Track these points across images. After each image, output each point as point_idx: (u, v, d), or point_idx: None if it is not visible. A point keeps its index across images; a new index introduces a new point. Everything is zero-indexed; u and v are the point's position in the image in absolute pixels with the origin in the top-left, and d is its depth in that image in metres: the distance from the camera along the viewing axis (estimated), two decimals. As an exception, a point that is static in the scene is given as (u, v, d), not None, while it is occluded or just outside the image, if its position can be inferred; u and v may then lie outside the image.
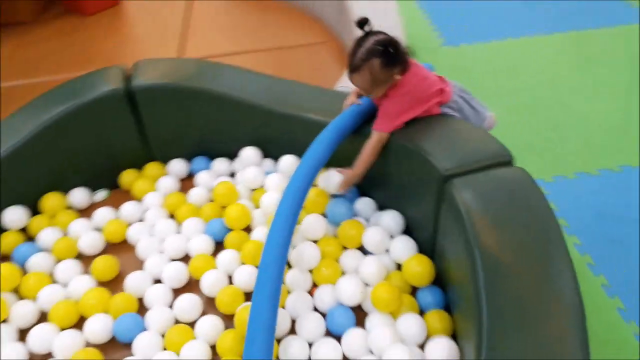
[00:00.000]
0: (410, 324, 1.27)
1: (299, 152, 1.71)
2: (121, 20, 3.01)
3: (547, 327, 1.01)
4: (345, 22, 2.49)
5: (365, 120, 1.49)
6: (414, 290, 1.40)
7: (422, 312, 1.34)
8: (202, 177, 1.78)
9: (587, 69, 2.63)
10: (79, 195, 1.74)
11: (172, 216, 1.67)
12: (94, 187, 1.80)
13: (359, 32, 2.18)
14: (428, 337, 1.27)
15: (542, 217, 1.19)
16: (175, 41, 2.72)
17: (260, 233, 1.55)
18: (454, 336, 1.27)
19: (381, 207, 1.60)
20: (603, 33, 2.88)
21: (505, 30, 2.94)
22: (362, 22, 1.31)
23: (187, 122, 1.82)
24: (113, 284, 1.48)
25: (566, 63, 2.70)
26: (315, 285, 1.43)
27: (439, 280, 1.39)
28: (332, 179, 1.53)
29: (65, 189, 1.74)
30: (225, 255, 1.48)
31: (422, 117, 1.43)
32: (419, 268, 1.36)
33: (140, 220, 1.66)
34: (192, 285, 1.48)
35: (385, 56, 1.27)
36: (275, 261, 1.19)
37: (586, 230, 1.78)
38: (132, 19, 3.02)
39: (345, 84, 1.89)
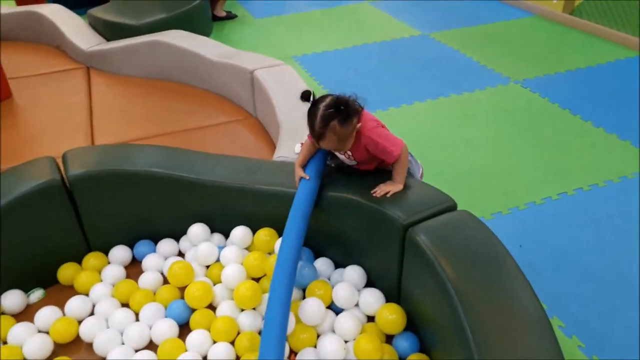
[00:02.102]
0: (396, 370, 1.32)
1: (246, 223, 1.75)
2: (15, 114, 2.85)
3: (525, 340, 1.14)
4: (257, 99, 2.62)
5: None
6: (388, 339, 1.46)
7: (401, 358, 1.40)
8: (149, 261, 1.72)
9: (468, 124, 3.03)
10: (13, 299, 1.58)
11: (125, 305, 1.58)
12: (25, 288, 1.65)
13: (277, 107, 2.35)
14: (413, 381, 1.33)
15: (494, 247, 1.35)
16: (81, 131, 2.63)
17: (226, 309, 1.53)
18: (436, 374, 1.35)
19: (337, 265, 1.68)
20: (477, 95, 3.35)
21: (399, 99, 3.29)
22: (306, 95, 1.42)
23: (125, 207, 1.78)
24: (72, 389, 1.36)
25: (453, 120, 3.08)
26: (293, 352, 1.43)
27: (409, 325, 1.47)
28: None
29: (-6, 294, 1.58)
30: (195, 336, 1.44)
31: (372, 174, 1.55)
32: (393, 316, 1.43)
33: (91, 315, 1.55)
34: (162, 374, 1.40)
35: (340, 115, 1.34)
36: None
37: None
38: (27, 113, 2.87)
39: (281, 154, 1.98)
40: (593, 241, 2.18)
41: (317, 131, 1.36)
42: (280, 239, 1.64)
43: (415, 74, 3.67)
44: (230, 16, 4.73)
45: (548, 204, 2.38)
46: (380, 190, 1.47)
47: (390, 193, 1.47)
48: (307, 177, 1.53)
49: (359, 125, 1.41)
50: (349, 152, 1.51)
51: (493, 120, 3.09)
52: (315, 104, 1.40)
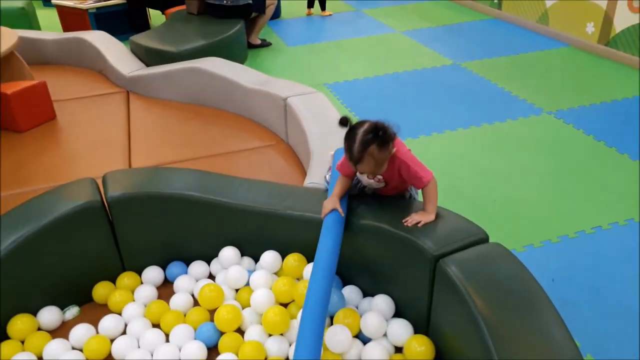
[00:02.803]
0: (423, 403, 1.31)
1: (276, 248, 1.77)
2: (58, 135, 2.97)
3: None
4: (289, 126, 2.67)
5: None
6: (416, 371, 1.45)
7: (429, 391, 1.39)
8: (181, 282, 1.75)
9: (500, 154, 3.01)
10: (49, 315, 1.64)
11: (156, 325, 1.61)
12: (61, 305, 1.70)
13: (309, 134, 2.38)
14: (441, 415, 1.31)
15: (526, 281, 1.34)
16: (120, 154, 2.72)
17: (254, 333, 1.54)
18: (465, 410, 1.32)
19: (365, 294, 1.68)
20: (509, 124, 3.33)
21: (430, 127, 3.30)
22: (344, 121, 1.45)
23: (159, 229, 1.82)
24: (104, 406, 1.38)
25: (485, 150, 3.06)
26: (320, 380, 1.43)
27: (437, 357, 1.46)
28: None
29: (31, 309, 1.63)
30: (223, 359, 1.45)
31: (402, 202, 1.57)
32: (422, 348, 1.42)
33: (123, 334, 1.58)
34: (190, 396, 1.42)
35: (379, 140, 1.38)
36: None
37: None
38: (69, 134, 2.99)
39: (312, 180, 2.01)
40: (628, 278, 2.11)
41: (355, 155, 1.39)
42: (310, 264, 1.66)
43: (447, 102, 3.68)
44: (265, 44, 4.86)
45: (582, 238, 2.33)
46: (412, 219, 1.48)
47: (422, 223, 1.47)
48: (342, 214, 1.55)
49: (394, 150, 1.44)
50: (380, 176, 1.53)
51: (525, 151, 3.06)
52: (353, 129, 1.42)
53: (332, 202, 1.57)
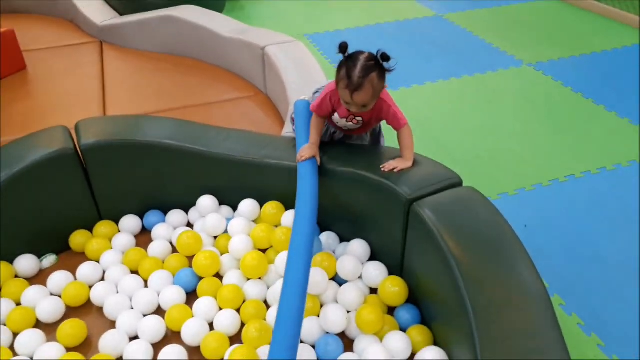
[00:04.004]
0: (397, 341, 1.35)
1: (254, 197, 1.78)
2: (29, 85, 2.89)
3: (524, 314, 1.16)
4: (267, 76, 2.63)
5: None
6: (390, 311, 1.49)
7: (402, 330, 1.43)
8: (159, 230, 1.76)
9: (482, 105, 3.02)
10: (26, 263, 1.63)
11: (134, 272, 1.63)
12: (38, 253, 1.70)
13: (287, 84, 2.36)
14: (413, 352, 1.36)
15: (497, 225, 1.36)
16: (94, 104, 2.66)
17: (233, 278, 1.57)
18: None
19: (341, 239, 1.70)
20: (489, 76, 3.33)
21: (410, 79, 3.28)
22: (344, 47, 1.39)
23: (135, 177, 1.81)
24: (82, 349, 1.41)
25: (465, 101, 3.07)
26: (297, 320, 1.46)
27: (410, 298, 1.50)
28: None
29: (9, 257, 1.63)
30: (202, 303, 1.48)
31: (376, 148, 1.58)
32: (395, 288, 1.46)
33: (102, 280, 1.59)
34: (169, 338, 1.44)
35: (380, 68, 1.37)
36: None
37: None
38: (41, 84, 2.91)
39: (290, 130, 1.99)
40: (598, 223, 2.18)
41: (356, 81, 1.34)
42: (288, 211, 1.67)
43: (428, 54, 3.65)
44: (243, -7, 4.71)
45: (555, 186, 2.38)
46: (389, 165, 1.49)
47: (398, 169, 1.48)
48: (319, 162, 1.55)
49: (385, 86, 1.43)
50: (359, 117, 1.51)
51: (504, 102, 3.07)
52: (351, 56, 1.38)
53: (311, 150, 1.55)
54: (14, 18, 3.61)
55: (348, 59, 1.38)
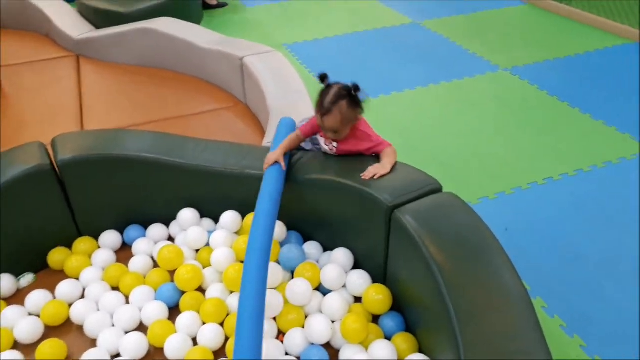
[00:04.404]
0: (382, 349, 1.35)
1: (236, 208, 1.77)
2: (3, 101, 2.84)
3: (506, 317, 1.17)
4: (247, 86, 2.62)
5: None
6: (374, 319, 1.49)
7: (387, 338, 1.43)
8: (139, 245, 1.73)
9: (460, 111, 3.06)
10: (4, 283, 1.60)
11: (115, 289, 1.60)
12: (16, 273, 1.66)
13: (267, 94, 2.36)
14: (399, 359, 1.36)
15: (478, 229, 1.37)
16: (71, 118, 2.63)
17: (215, 291, 1.55)
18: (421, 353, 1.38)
19: (325, 248, 1.70)
20: (466, 82, 3.37)
21: (388, 87, 3.31)
22: (323, 77, 1.50)
23: (114, 192, 1.79)
24: (63, 369, 1.38)
25: (443, 107, 3.10)
26: (281, 333, 1.46)
27: (394, 305, 1.50)
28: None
29: (-16, 278, 1.59)
30: (185, 318, 1.46)
31: (355, 157, 1.58)
32: (379, 296, 1.46)
33: (82, 298, 1.56)
34: (152, 355, 1.42)
35: (351, 98, 1.45)
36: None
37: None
38: (16, 100, 2.87)
39: (270, 140, 1.99)
40: (577, 225, 2.21)
41: (326, 106, 1.45)
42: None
43: (406, 61, 3.68)
44: (220, 4, 4.71)
45: (534, 189, 2.41)
46: (369, 172, 1.50)
47: (378, 175, 1.49)
48: (284, 167, 1.57)
49: (360, 117, 1.51)
50: (335, 144, 1.56)
51: (482, 107, 3.11)
52: (328, 86, 1.49)
53: (275, 155, 1.58)
54: (-12, 33, 3.57)
55: (326, 87, 1.49)
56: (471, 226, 1.39)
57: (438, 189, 1.51)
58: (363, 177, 1.50)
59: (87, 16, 3.55)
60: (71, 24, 3.35)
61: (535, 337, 1.12)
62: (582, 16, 4.19)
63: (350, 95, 1.46)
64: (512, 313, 1.17)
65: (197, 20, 4.07)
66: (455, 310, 1.17)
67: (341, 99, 1.45)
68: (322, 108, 1.46)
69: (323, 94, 1.47)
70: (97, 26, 3.40)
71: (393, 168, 1.53)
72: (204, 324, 1.47)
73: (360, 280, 1.53)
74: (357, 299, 1.54)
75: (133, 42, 3.06)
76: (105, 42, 3.13)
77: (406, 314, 1.47)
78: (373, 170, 1.50)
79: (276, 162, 1.57)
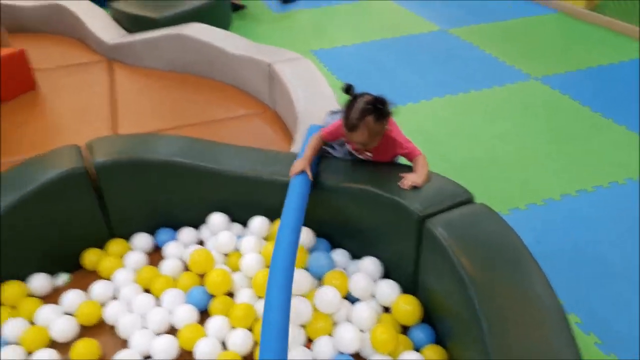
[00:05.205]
0: (411, 360, 1.34)
1: (265, 213, 1.78)
2: (40, 105, 2.91)
3: (541, 333, 1.15)
4: (275, 92, 2.64)
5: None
6: (404, 329, 1.48)
7: (416, 349, 1.42)
8: (170, 248, 1.76)
9: (487, 120, 3.02)
10: (40, 282, 1.64)
11: (147, 291, 1.63)
12: (51, 272, 1.70)
13: (296, 100, 2.37)
14: (428, 371, 1.35)
15: (510, 241, 1.36)
16: (104, 122, 2.68)
17: (244, 296, 1.56)
18: (451, 365, 1.36)
19: (354, 256, 1.70)
20: (495, 91, 3.34)
21: (416, 95, 3.30)
22: (348, 88, 1.49)
23: (147, 195, 1.82)
24: (96, 369, 1.40)
25: (472, 116, 3.07)
26: (309, 340, 1.46)
27: (425, 316, 1.49)
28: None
29: (22, 276, 1.63)
30: (215, 322, 1.47)
31: (387, 165, 1.58)
32: (409, 307, 1.45)
33: (114, 299, 1.59)
34: (182, 358, 1.44)
35: (377, 112, 1.42)
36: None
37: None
38: (51, 104, 2.94)
39: (299, 146, 2.00)
40: (612, 239, 2.16)
41: (352, 122, 1.43)
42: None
43: (434, 69, 3.67)
44: (238, 7, 4.66)
45: (566, 201, 2.37)
46: (407, 181, 1.49)
47: (416, 185, 1.48)
48: (311, 177, 1.56)
49: (387, 128, 1.49)
50: (369, 153, 1.57)
51: (512, 117, 3.07)
52: (355, 97, 1.46)
53: (301, 164, 1.58)
54: (23, 37, 3.66)
55: (350, 101, 1.46)
56: (503, 237, 1.37)
57: (469, 200, 1.50)
58: (401, 186, 1.49)
59: (120, 21, 3.63)
60: (104, 29, 3.42)
61: (571, 352, 1.10)
62: (614, 24, 4.11)
63: (377, 109, 1.42)
64: (547, 329, 1.15)
65: (225, 25, 4.12)
66: (487, 323, 1.16)
67: (367, 114, 1.42)
68: (348, 124, 1.45)
69: (349, 108, 1.45)
70: (130, 31, 3.47)
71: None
72: (233, 328, 1.48)
73: (389, 289, 1.52)
74: (386, 309, 1.53)
75: (165, 47, 3.11)
76: (137, 47, 3.19)
77: (437, 325, 1.46)
78: (411, 180, 1.49)
79: (302, 171, 1.56)
